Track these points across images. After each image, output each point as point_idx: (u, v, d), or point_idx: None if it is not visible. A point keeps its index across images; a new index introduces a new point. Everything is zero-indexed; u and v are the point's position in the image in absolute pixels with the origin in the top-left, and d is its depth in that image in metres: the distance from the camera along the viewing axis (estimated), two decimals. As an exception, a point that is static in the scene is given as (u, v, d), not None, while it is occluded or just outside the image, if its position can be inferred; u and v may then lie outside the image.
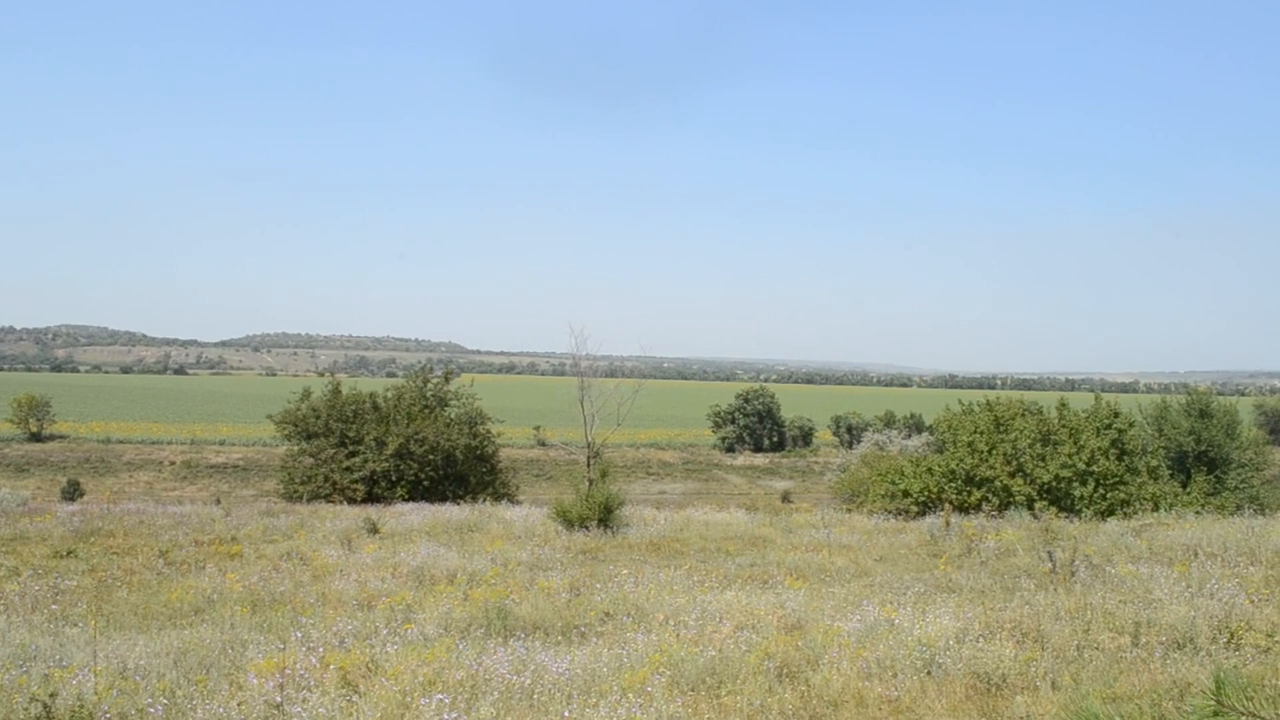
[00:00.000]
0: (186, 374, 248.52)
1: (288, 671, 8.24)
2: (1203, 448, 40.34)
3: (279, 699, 7.63)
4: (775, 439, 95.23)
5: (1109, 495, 25.09)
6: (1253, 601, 10.46)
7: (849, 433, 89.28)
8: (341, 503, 29.96)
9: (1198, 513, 21.22)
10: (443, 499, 30.35)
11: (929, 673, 8.49)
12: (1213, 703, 3.09)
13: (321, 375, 41.03)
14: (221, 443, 78.55)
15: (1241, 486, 38.87)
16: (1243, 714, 3.03)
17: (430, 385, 37.29)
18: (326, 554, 16.75)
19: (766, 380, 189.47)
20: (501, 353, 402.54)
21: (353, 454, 33.33)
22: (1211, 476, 38.86)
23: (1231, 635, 9.10)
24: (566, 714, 7.34)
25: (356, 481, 32.55)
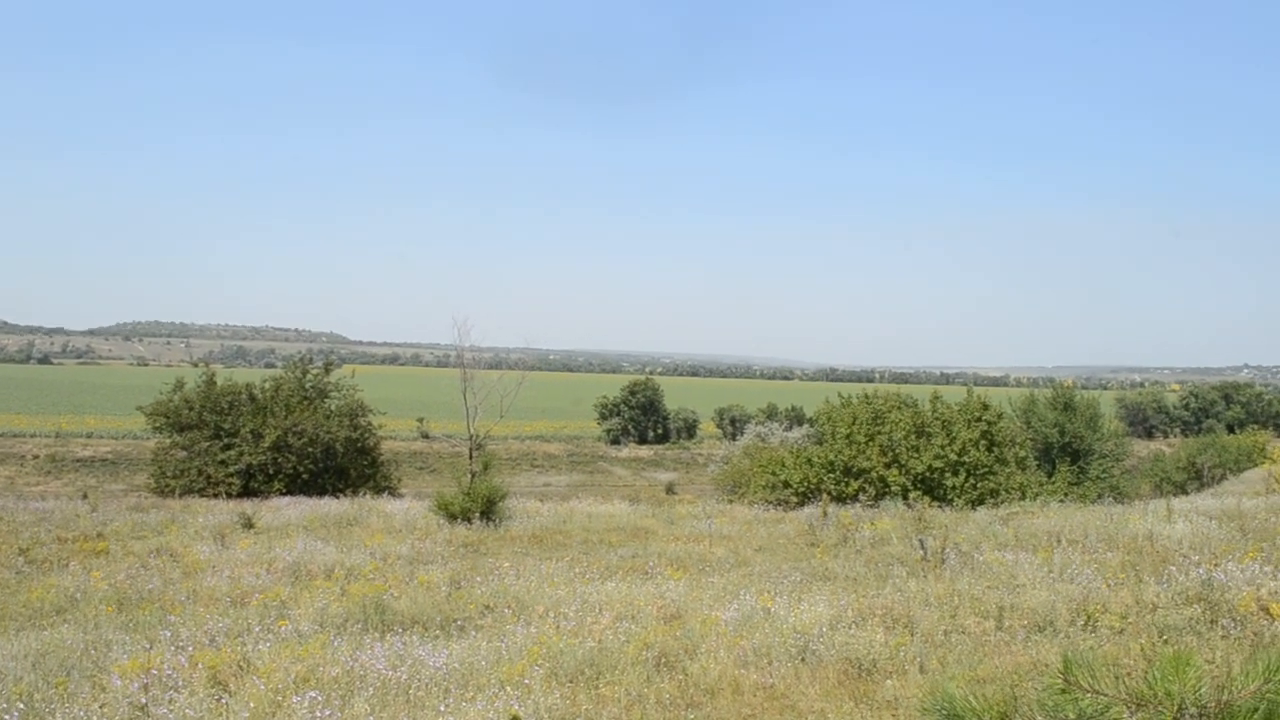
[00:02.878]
0: (51, 363, 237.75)
1: (154, 672, 8.02)
2: (1066, 439, 41.94)
3: (144, 700, 7.42)
4: (660, 431, 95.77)
5: (979, 485, 25.93)
6: (1109, 585, 10.94)
7: (732, 425, 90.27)
8: (216, 497, 29.16)
9: (1061, 501, 22.11)
10: (322, 493, 29.78)
11: (803, 659, 8.68)
12: (1061, 681, 3.23)
13: (196, 366, 39.79)
14: (89, 435, 75.41)
15: (1102, 476, 40.55)
16: (1088, 691, 3.17)
17: (310, 376, 36.49)
18: (198, 550, 16.28)
19: (652, 372, 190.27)
20: (385, 343, 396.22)
21: (228, 446, 32.44)
22: (1075, 467, 40.46)
23: (1089, 617, 9.52)
24: (443, 708, 7.29)
25: (232, 475, 31.70)
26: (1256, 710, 2.98)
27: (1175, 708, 3.01)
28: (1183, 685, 3.04)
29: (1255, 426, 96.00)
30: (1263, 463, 35.34)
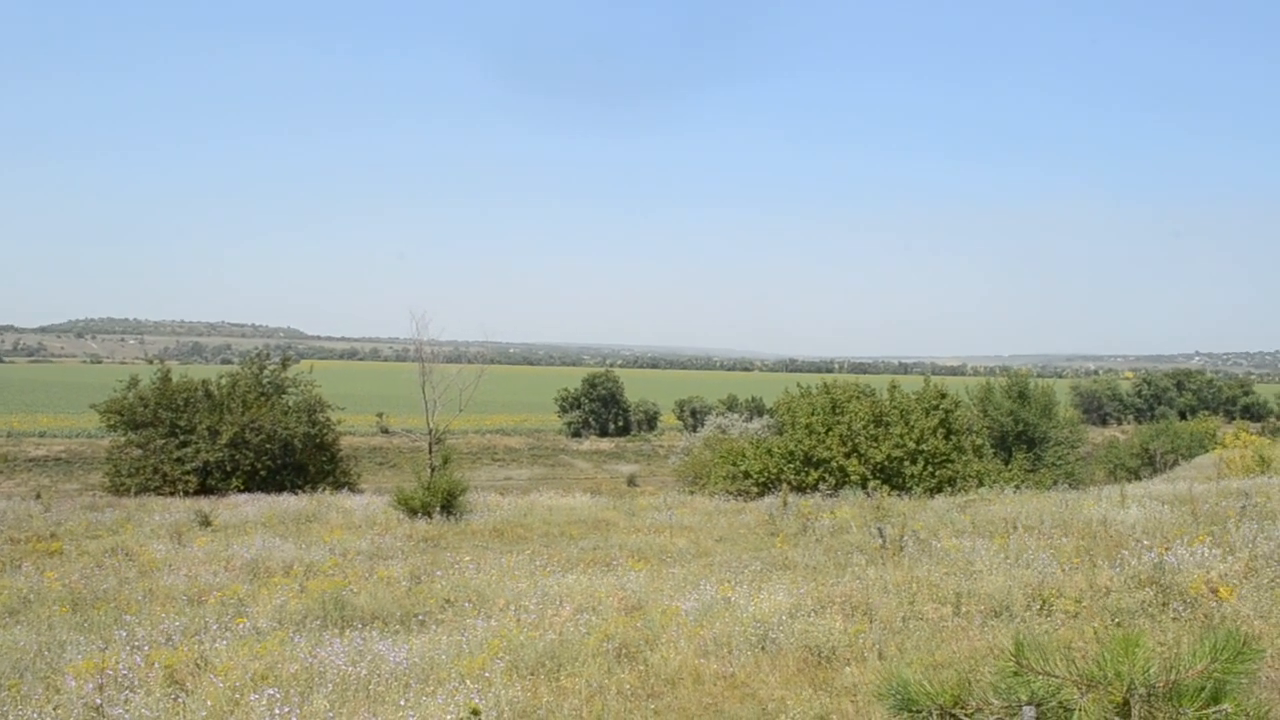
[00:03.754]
0: (3, 362, 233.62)
1: (109, 672, 7.91)
2: (1022, 427, 42.46)
3: (99, 701, 7.31)
4: (621, 423, 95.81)
5: (937, 473, 26.19)
6: (1064, 570, 11.08)
7: (693, 416, 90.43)
8: (173, 495, 28.83)
9: (1017, 488, 22.36)
10: (280, 489, 29.56)
11: (763, 648, 8.72)
12: (1013, 664, 3.27)
13: (151, 363, 39.28)
14: (41, 434, 74.20)
15: (1058, 463, 41.11)
16: (1040, 673, 3.21)
17: (267, 372, 36.11)
18: (155, 549, 16.08)
19: (612, 365, 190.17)
20: (343, 338, 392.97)
21: (184, 444, 32.04)
22: (1031, 454, 40.98)
23: (1044, 602, 9.64)
24: (403, 703, 7.25)
25: (188, 473, 31.31)
26: (1203, 689, 3.04)
27: (1125, 688, 3.06)
28: (1132, 666, 3.08)
29: (1206, 413, 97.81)
30: (1214, 448, 35.98)
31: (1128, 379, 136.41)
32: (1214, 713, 2.96)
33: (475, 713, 6.16)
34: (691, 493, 29.37)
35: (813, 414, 28.04)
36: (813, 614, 9.59)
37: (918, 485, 25.19)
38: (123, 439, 33.83)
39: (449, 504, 20.30)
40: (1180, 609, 9.04)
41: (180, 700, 7.47)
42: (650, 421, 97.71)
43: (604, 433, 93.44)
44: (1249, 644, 3.12)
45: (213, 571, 13.87)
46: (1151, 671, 3.11)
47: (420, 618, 10.60)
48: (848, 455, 26.38)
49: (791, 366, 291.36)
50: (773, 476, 26.40)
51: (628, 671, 8.22)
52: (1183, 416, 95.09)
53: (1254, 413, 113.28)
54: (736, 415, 62.10)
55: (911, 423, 27.12)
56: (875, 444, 26.50)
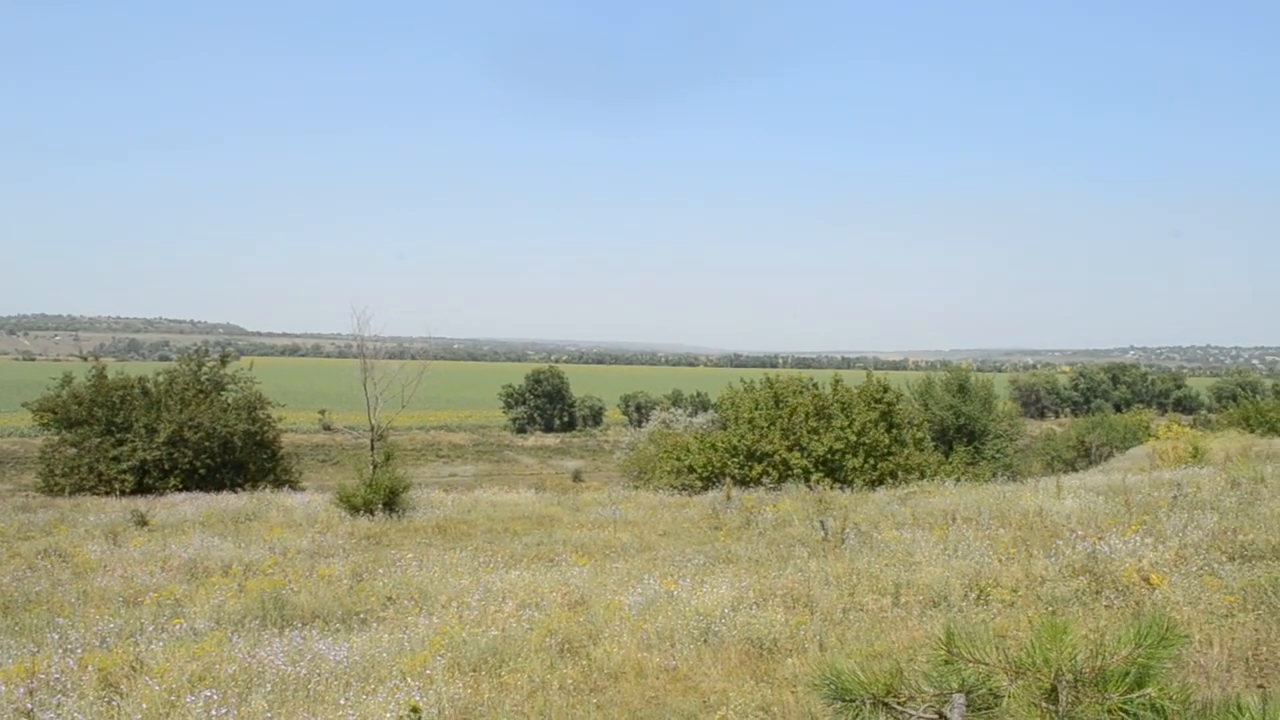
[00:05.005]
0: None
1: (40, 676, 7.75)
2: (962, 421, 43.03)
3: (29, 705, 7.17)
4: (566, 419, 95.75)
5: (878, 466, 26.45)
6: (1001, 560, 11.26)
7: (638, 411, 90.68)
8: (108, 495, 28.27)
9: (957, 481, 22.63)
10: (220, 488, 29.15)
11: (706, 641, 8.77)
12: (944, 653, 3.31)
13: (86, 359, 38.21)
14: (-29, 434, 72.56)
15: (997, 456, 41.72)
16: (970, 661, 3.26)
17: (206, 369, 35.57)
18: (89, 550, 15.77)
19: (557, 361, 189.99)
20: (284, 334, 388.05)
21: (120, 442, 31.46)
22: (971, 447, 41.53)
23: (981, 592, 9.80)
24: (343, 702, 7.20)
25: (125, 472, 30.76)
26: (1128, 674, 3.10)
27: (1052, 674, 3.11)
28: (1059, 653, 3.14)
29: (1140, 405, 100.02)
30: (1147, 440, 36.67)
31: (1065, 373, 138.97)
32: (1138, 697, 3.02)
33: (415, 710, 6.12)
34: (636, 488, 29.41)
35: (756, 408, 28.21)
36: (755, 606, 9.66)
37: (859, 478, 25.44)
38: (57, 438, 33.16)
39: (391, 501, 20.15)
40: (1113, 597, 9.23)
41: (114, 703, 7.36)
42: (595, 417, 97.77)
43: (549, 428, 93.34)
44: (1172, 630, 3.18)
45: (149, 572, 13.63)
46: (1079, 658, 3.16)
47: (361, 616, 10.53)
48: (790, 449, 26.56)
49: (736, 362, 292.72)
50: (717, 470, 26.50)
51: (570, 666, 8.22)
52: (1118, 409, 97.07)
53: (1186, 405, 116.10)
54: (681, 410, 62.38)
55: (853, 416, 27.37)
56: (817, 437, 26.71)
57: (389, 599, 11.30)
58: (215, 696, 7.22)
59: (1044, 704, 3.12)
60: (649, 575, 11.74)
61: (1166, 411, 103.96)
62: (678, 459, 28.41)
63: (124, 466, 30.88)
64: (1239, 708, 2.84)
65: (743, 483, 24.97)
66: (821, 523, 14.52)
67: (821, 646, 8.41)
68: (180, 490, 28.92)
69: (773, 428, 27.13)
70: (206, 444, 31.93)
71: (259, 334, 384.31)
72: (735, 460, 26.73)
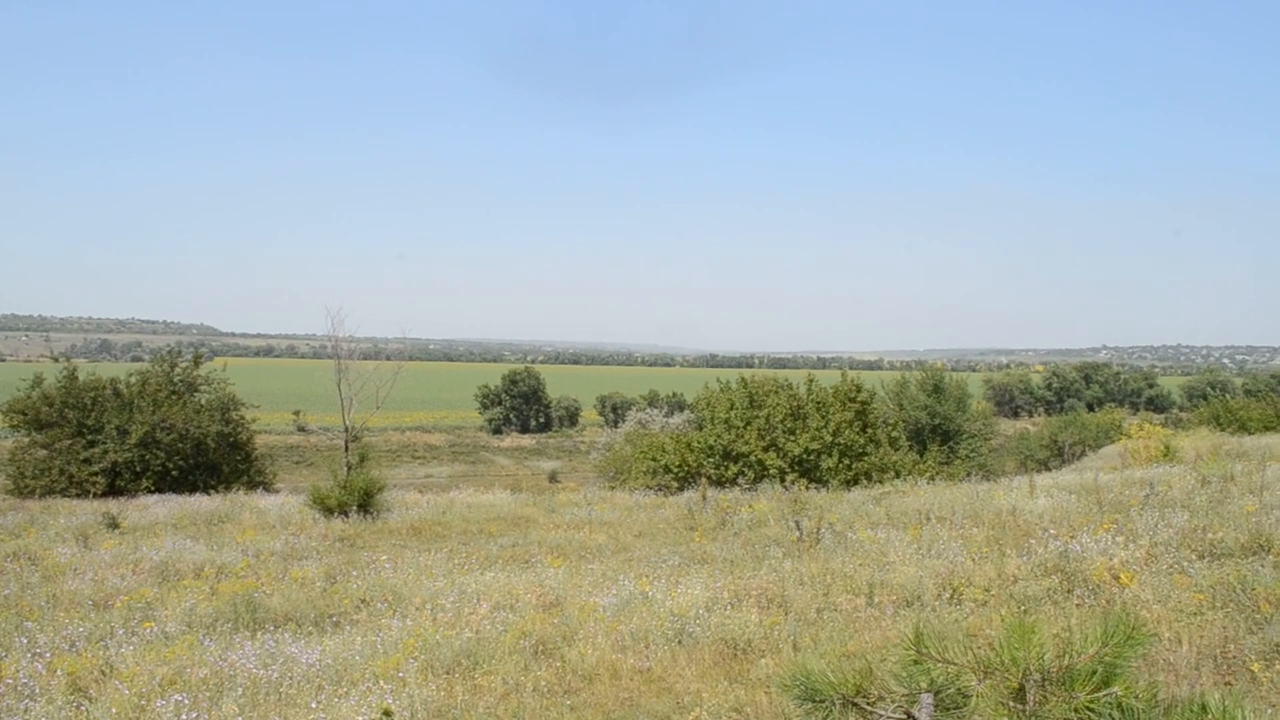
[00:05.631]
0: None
1: (8, 680, 7.69)
2: (936, 420, 43.22)
3: (-4, 710, 7.10)
4: (542, 419, 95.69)
5: (853, 466, 26.52)
6: (974, 560, 11.33)
7: (614, 412, 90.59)
8: (80, 497, 27.97)
9: (931, 480, 22.72)
10: (193, 490, 28.90)
11: (680, 642, 8.78)
12: (914, 653, 3.33)
13: (57, 360, 37.86)
14: (-61, 436, 71.71)
15: (971, 455, 41.92)
16: (939, 661, 3.28)
17: (179, 370, 35.27)
18: (59, 553, 15.61)
19: (533, 361, 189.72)
20: (259, 335, 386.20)
21: (92, 444, 31.14)
22: (945, 446, 41.73)
23: (954, 591, 9.85)
24: (315, 705, 7.16)
25: (96, 474, 30.43)
26: (1095, 673, 3.12)
27: (1020, 674, 3.14)
28: (1027, 652, 3.16)
29: (1113, 404, 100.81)
30: (1119, 439, 36.92)
31: (1038, 372, 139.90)
32: (1104, 696, 3.04)
33: (387, 713, 6.10)
34: (612, 488, 29.39)
35: (731, 409, 28.24)
36: (729, 607, 9.68)
37: (834, 478, 25.50)
38: (27, 440, 32.79)
39: (366, 503, 20.05)
40: (1084, 595, 9.30)
41: (83, 708, 7.30)
42: (572, 418, 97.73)
43: (525, 429, 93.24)
44: (1138, 629, 3.21)
45: (120, 575, 13.51)
46: (1046, 657, 3.19)
47: (335, 618, 10.47)
48: (766, 449, 26.59)
49: (712, 362, 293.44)
50: (692, 471, 26.52)
51: (545, 668, 8.20)
52: (1090, 408, 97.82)
53: (1158, 404, 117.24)
54: (657, 411, 62.33)
55: (828, 416, 27.44)
56: (793, 437, 26.76)
57: (363, 601, 11.25)
58: (186, 700, 7.17)
59: (1012, 703, 3.14)
60: (624, 576, 11.74)
61: (1138, 410, 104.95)
62: (653, 459, 28.40)
63: (95, 468, 30.58)
64: (1202, 706, 2.87)
65: (718, 483, 24.99)
66: (796, 523, 14.56)
67: (795, 647, 8.43)
68: (152, 492, 28.66)
69: (748, 428, 27.17)
70: (179, 446, 31.67)
71: (233, 334, 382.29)
72: (711, 460, 26.75)
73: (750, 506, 18.50)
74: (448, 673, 8.10)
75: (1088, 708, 3.02)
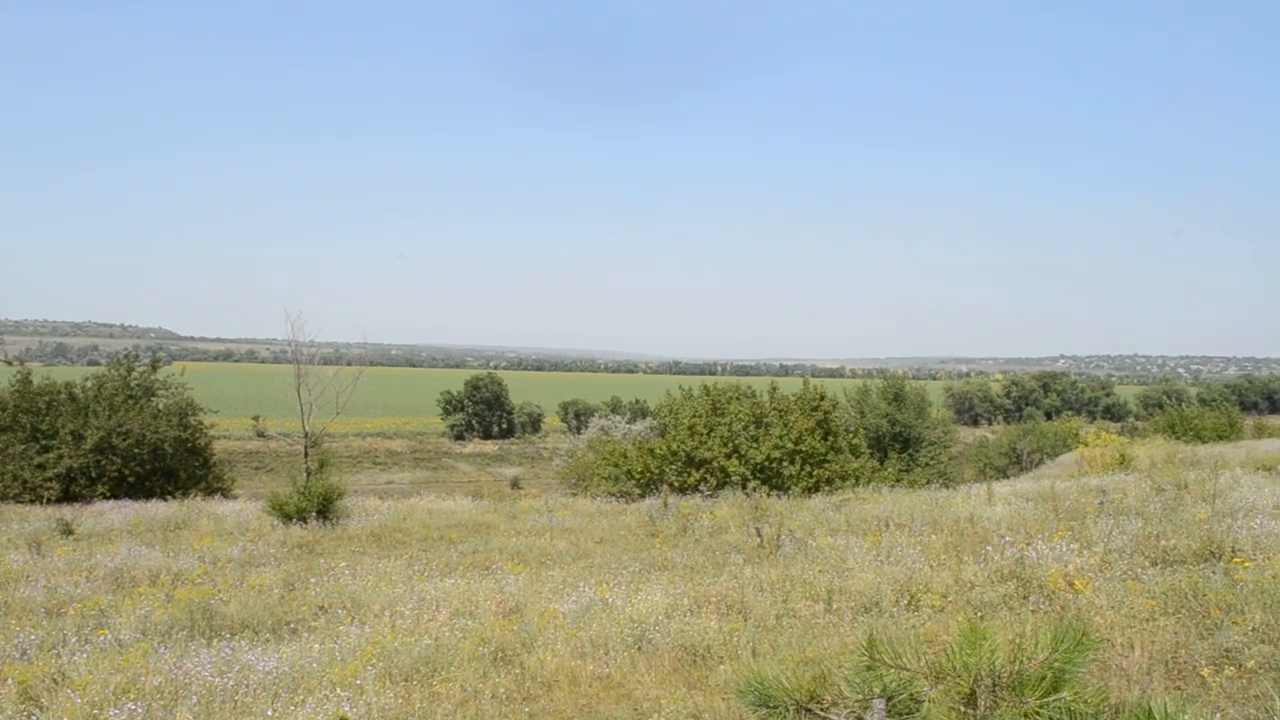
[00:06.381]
0: None
1: (-44, 689, 7.54)
2: (897, 428, 43.60)
3: (-58, 719, 6.98)
4: (505, 426, 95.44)
5: (815, 473, 26.67)
6: (932, 566, 11.42)
7: (577, 418, 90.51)
8: (33, 503, 27.57)
9: (892, 487, 22.92)
10: (150, 495, 28.55)
11: (640, 648, 8.78)
12: (867, 658, 3.35)
13: (10, 364, 37.20)
14: (-112, 440, 70.33)
15: (931, 463, 42.34)
16: (892, 666, 3.31)
17: (136, 374, 34.88)
18: (11, 559, 15.37)
19: (496, 367, 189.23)
20: (217, 339, 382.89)
21: (46, 449, 30.71)
22: (905, 454, 42.10)
23: (912, 597, 9.93)
24: (270, 713, 7.10)
25: (50, 479, 30.01)
26: (1045, 678, 3.16)
27: (971, 679, 3.17)
28: (979, 658, 3.20)
29: (1070, 413, 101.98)
30: (1076, 446, 37.40)
31: (998, 381, 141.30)
32: (1054, 700, 3.08)
33: (344, 720, 6.06)
34: (574, 495, 29.37)
35: (694, 415, 28.33)
36: (689, 614, 9.70)
37: (796, 485, 25.63)
38: (-22, 444, 32.29)
39: (325, 509, 19.89)
40: (1039, 601, 9.40)
41: (34, 717, 7.21)
42: (534, 424, 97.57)
43: (487, 435, 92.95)
44: (1088, 634, 3.26)
45: (73, 582, 13.31)
46: (998, 663, 3.22)
47: (292, 626, 10.38)
48: (728, 456, 26.68)
49: (675, 369, 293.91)
50: (655, 477, 26.55)
51: (504, 675, 8.18)
52: (1048, 417, 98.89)
53: (1114, 413, 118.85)
54: (620, 417, 62.36)
55: (790, 423, 27.58)
56: (755, 444, 26.87)
57: (321, 608, 11.16)
58: (139, 709, 7.08)
59: (963, 708, 3.17)
60: (584, 583, 11.72)
61: (1095, 419, 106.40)
62: (615, 465, 28.43)
63: (49, 474, 30.16)
64: (1148, 711, 2.92)
65: (681, 490, 25.04)
66: (757, 529, 14.60)
67: (754, 653, 8.46)
68: (108, 498, 28.33)
69: (711, 434, 27.25)
70: (136, 451, 31.31)
71: (191, 338, 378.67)
72: (673, 467, 26.80)
73: (712, 513, 18.54)
74: (406, 680, 8.06)
75: (1037, 712, 3.06)
